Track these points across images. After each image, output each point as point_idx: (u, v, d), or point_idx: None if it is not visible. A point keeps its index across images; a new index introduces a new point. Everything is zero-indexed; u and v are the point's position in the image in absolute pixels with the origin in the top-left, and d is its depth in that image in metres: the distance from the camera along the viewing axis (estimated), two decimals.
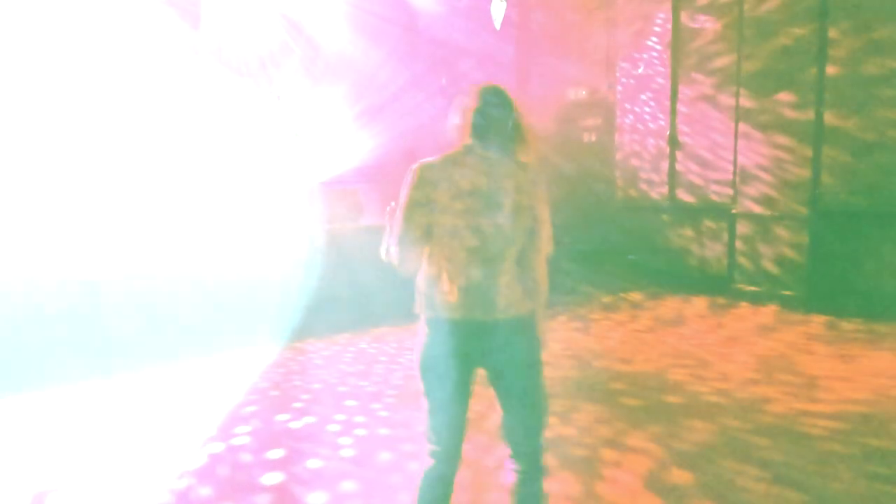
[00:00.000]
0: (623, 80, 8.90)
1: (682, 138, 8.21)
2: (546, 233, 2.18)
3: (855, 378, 4.62)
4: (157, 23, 7.05)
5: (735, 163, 7.46)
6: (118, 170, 6.20)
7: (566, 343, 5.72)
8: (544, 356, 2.23)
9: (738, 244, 7.43)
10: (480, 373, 2.22)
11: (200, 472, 3.34)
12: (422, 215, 2.10)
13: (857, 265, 6.52)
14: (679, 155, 8.27)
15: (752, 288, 7.25)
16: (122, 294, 5.08)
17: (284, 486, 3.19)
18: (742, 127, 7.35)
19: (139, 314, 5.11)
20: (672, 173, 8.35)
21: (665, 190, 8.41)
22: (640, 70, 8.64)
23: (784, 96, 6.92)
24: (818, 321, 6.30)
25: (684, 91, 8.16)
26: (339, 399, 4.43)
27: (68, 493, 3.15)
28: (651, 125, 8.57)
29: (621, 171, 8.96)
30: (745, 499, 2.95)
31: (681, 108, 8.19)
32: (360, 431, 3.86)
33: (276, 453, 3.57)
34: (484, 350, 2.14)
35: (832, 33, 6.59)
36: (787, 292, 6.91)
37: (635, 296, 7.76)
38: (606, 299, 7.67)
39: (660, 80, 8.39)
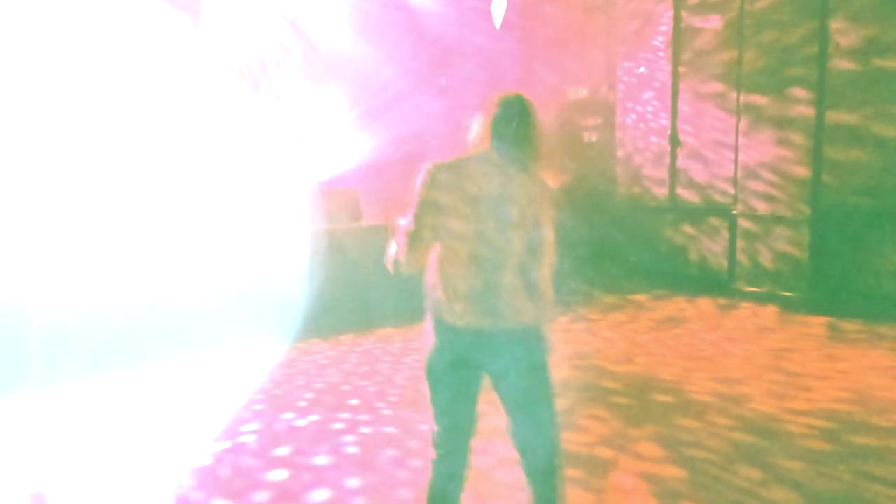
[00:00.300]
0: (624, 78, 8.99)
1: (682, 138, 8.31)
2: (551, 244, 2.19)
3: (849, 378, 4.71)
4: (156, 22, 7.14)
5: (736, 162, 7.56)
6: (121, 171, 6.29)
7: (565, 343, 5.82)
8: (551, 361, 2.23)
9: (739, 244, 7.52)
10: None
11: (207, 469, 3.44)
12: (431, 215, 2.12)
13: (859, 265, 6.59)
14: (680, 154, 8.37)
15: (753, 288, 7.35)
16: (127, 295, 5.17)
17: (290, 483, 3.28)
18: (743, 126, 7.44)
19: (143, 314, 5.20)
20: (673, 173, 8.44)
21: (666, 190, 8.51)
22: (641, 69, 8.74)
23: (785, 95, 7.01)
24: (818, 322, 6.37)
25: (685, 90, 8.25)
26: (343, 398, 4.52)
27: (78, 491, 3.25)
28: (652, 124, 8.67)
29: (622, 171, 9.06)
30: (738, 497, 3.04)
31: (681, 107, 8.29)
32: (365, 429, 3.96)
33: (281, 451, 3.67)
34: (489, 358, 2.15)
35: (833, 32, 6.66)
36: (788, 293, 7.00)
37: (635, 296, 7.86)
38: (607, 299, 7.77)
39: (660, 80, 8.49)
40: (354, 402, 4.46)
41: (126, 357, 5.11)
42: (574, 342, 5.87)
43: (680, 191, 8.36)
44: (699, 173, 8.11)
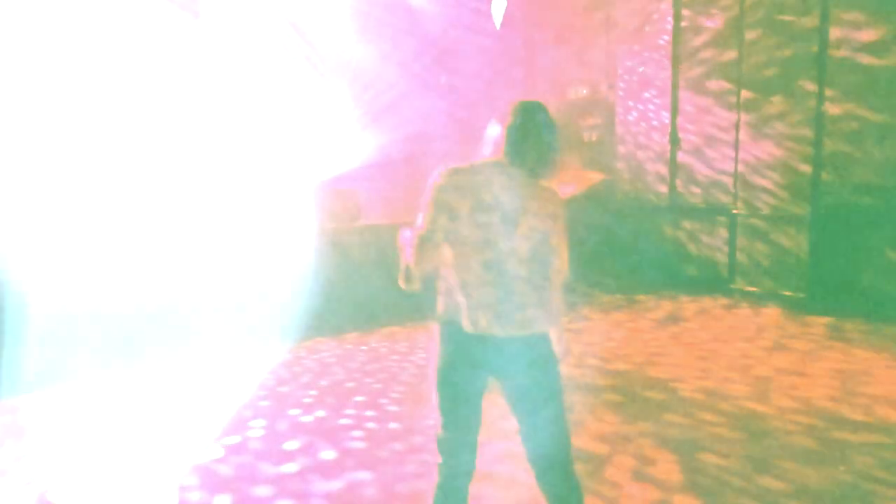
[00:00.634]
0: (624, 77, 9.11)
1: (682, 136, 8.42)
2: (563, 257, 2.23)
3: (843, 377, 4.82)
4: (157, 20, 7.25)
5: (736, 162, 7.65)
6: (126, 171, 6.40)
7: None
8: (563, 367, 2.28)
9: (739, 243, 7.61)
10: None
11: (218, 463, 3.58)
12: (442, 219, 2.13)
13: (859, 265, 6.68)
14: (680, 153, 8.49)
15: (753, 287, 7.44)
16: (133, 293, 5.30)
17: (301, 476, 3.42)
18: (742, 126, 7.53)
19: (148, 313, 5.33)
20: (673, 172, 8.56)
21: (666, 189, 8.63)
22: (641, 69, 8.87)
23: (785, 94, 7.10)
24: (817, 321, 6.47)
25: (685, 89, 8.36)
26: (349, 395, 4.66)
27: (91, 485, 3.39)
28: (652, 123, 8.79)
29: (622, 170, 9.18)
30: (728, 490, 3.19)
31: (682, 106, 8.40)
32: (371, 425, 4.10)
33: (291, 445, 3.81)
34: (501, 365, 2.17)
35: (833, 32, 6.76)
36: (788, 292, 7.10)
37: (634, 295, 7.97)
38: (606, 299, 7.90)
39: (661, 79, 8.61)
40: (360, 398, 4.60)
41: (131, 355, 5.24)
42: (572, 341, 6.00)
43: (680, 190, 8.48)
44: (699, 172, 8.24)
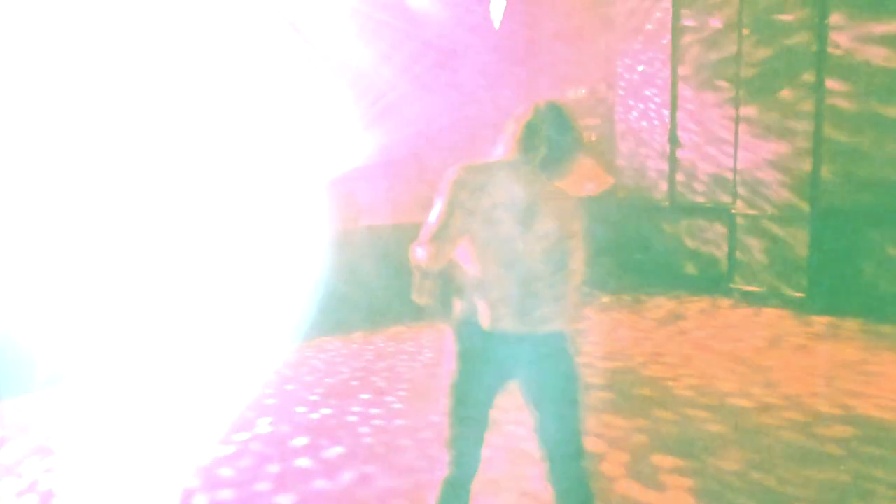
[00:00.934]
0: (624, 77, 9.23)
1: (682, 136, 8.54)
2: (580, 257, 2.27)
3: (837, 376, 4.93)
4: (157, 16, 7.33)
5: (735, 162, 7.74)
6: (132, 170, 6.49)
7: None
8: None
9: (739, 243, 7.69)
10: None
11: (229, 459, 3.70)
12: (458, 216, 2.14)
13: (858, 265, 6.75)
14: (679, 154, 8.60)
15: (752, 287, 7.52)
16: (141, 293, 5.41)
17: (311, 470, 3.54)
18: (742, 126, 7.60)
19: (154, 313, 5.44)
20: (672, 172, 8.67)
21: (665, 189, 8.75)
22: (640, 69, 8.99)
23: (784, 94, 7.16)
24: (817, 320, 6.55)
25: (684, 89, 8.46)
26: (355, 392, 4.78)
27: (108, 479, 3.50)
28: (652, 123, 8.91)
29: (621, 170, 9.31)
30: (722, 487, 3.32)
31: (681, 106, 8.50)
32: (377, 422, 4.22)
33: (299, 441, 3.93)
34: (519, 363, 2.21)
35: (832, 31, 6.82)
36: (788, 292, 7.16)
37: (633, 295, 8.08)
38: (605, 299, 8.00)
39: (660, 79, 8.73)
40: (365, 395, 4.72)
41: (137, 354, 5.35)
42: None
43: (680, 189, 8.59)
44: (699, 172, 8.34)
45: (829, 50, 6.85)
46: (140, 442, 3.99)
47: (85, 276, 5.30)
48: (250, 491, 3.35)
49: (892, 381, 4.73)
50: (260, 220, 6.56)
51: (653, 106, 8.88)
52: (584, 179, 2.17)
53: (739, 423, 4.05)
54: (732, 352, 5.65)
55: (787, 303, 7.13)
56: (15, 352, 4.98)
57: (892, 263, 6.56)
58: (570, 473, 2.26)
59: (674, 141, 8.59)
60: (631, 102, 9.18)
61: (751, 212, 7.52)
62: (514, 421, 3.35)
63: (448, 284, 2.30)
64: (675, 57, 8.50)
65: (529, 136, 2.18)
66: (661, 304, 7.60)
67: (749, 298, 7.47)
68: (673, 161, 8.65)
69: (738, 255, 7.69)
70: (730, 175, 7.85)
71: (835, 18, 6.82)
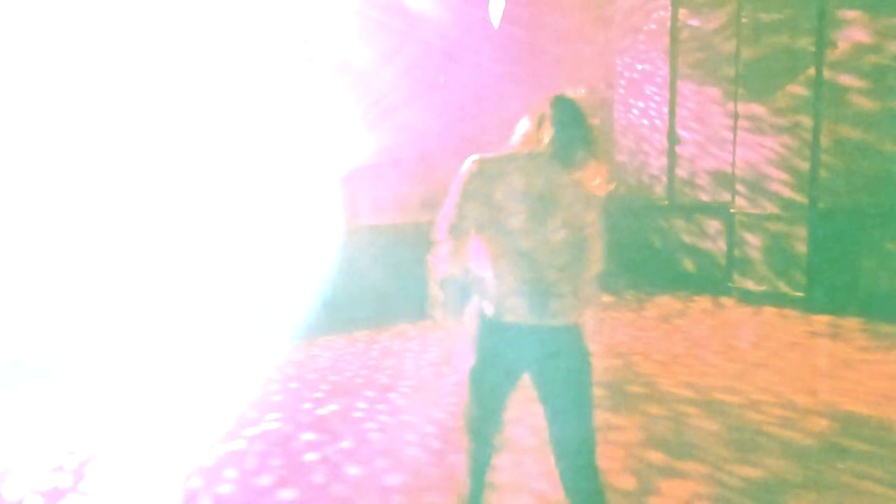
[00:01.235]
0: (623, 76, 9.33)
1: (681, 136, 8.65)
2: (598, 249, 2.31)
3: (829, 373, 5.05)
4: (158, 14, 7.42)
5: (734, 161, 7.84)
6: (144, 166, 6.58)
7: None
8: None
9: (737, 242, 7.77)
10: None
11: (239, 453, 3.82)
12: (474, 207, 2.20)
13: (858, 264, 6.83)
14: (678, 152, 8.71)
15: (752, 286, 7.60)
16: (149, 292, 5.53)
17: (322, 463, 3.67)
18: (741, 125, 7.68)
19: (161, 312, 5.56)
20: (671, 171, 8.77)
21: (664, 187, 8.86)
22: (640, 68, 9.10)
23: (783, 93, 7.24)
24: (815, 319, 6.64)
25: (683, 88, 8.55)
26: (360, 389, 4.91)
27: (121, 472, 3.63)
28: (650, 122, 9.02)
29: (620, 169, 9.41)
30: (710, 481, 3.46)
31: (680, 105, 8.58)
32: (384, 418, 4.34)
33: (308, 436, 4.05)
34: (533, 355, 2.25)
35: (831, 32, 6.91)
36: (787, 291, 7.24)
37: (633, 294, 8.17)
38: (603, 298, 8.07)
39: (659, 78, 8.83)
40: (370, 392, 4.85)
41: (146, 350, 5.47)
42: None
43: (678, 189, 8.68)
44: (698, 170, 8.44)
45: (829, 49, 6.94)
46: (147, 439, 4.11)
47: (91, 274, 5.42)
48: (257, 485, 3.48)
49: (890, 379, 4.83)
50: (266, 219, 6.67)
51: (652, 104, 8.97)
52: (593, 175, 2.25)
53: (729, 419, 4.17)
54: (728, 350, 5.76)
55: (786, 301, 7.20)
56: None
57: (891, 262, 6.64)
58: (578, 468, 2.31)
59: (673, 139, 8.69)
60: (630, 101, 9.28)
61: (750, 210, 7.60)
62: (513, 419, 3.46)
63: (463, 293, 2.33)
64: (675, 55, 8.58)
65: (548, 128, 2.23)
66: (660, 303, 7.69)
67: (748, 297, 7.55)
68: (672, 159, 8.74)
69: (737, 253, 7.78)
70: (729, 174, 7.94)
71: (834, 16, 6.89)
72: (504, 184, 2.20)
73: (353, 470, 3.60)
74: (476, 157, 2.26)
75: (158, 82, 7.16)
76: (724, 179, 8.06)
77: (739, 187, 7.71)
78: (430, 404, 4.53)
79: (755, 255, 7.57)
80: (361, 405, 4.61)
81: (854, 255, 6.89)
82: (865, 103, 6.74)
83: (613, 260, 9.22)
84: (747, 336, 6.22)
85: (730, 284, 7.83)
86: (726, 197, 8.00)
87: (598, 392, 4.59)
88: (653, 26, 8.83)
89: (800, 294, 7.15)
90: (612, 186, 2.33)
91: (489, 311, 2.26)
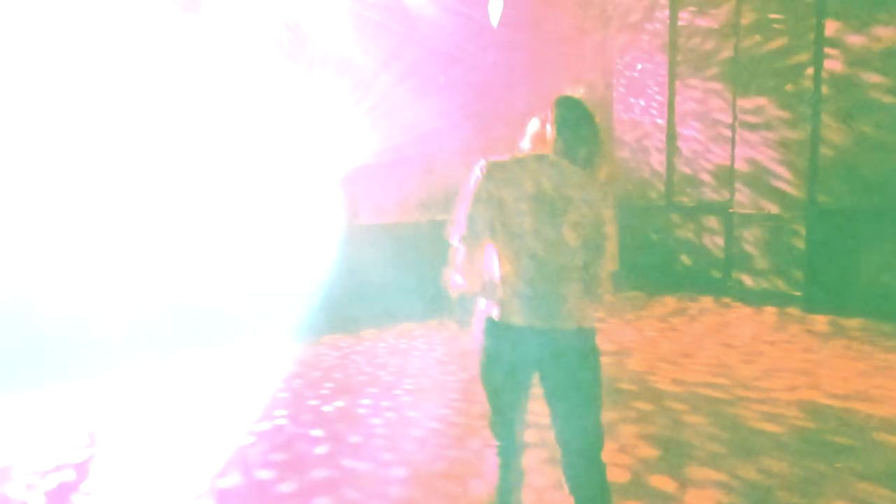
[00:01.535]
0: (624, 74, 9.43)
1: (679, 137, 8.76)
2: (611, 249, 2.30)
3: (825, 373, 5.13)
4: (157, 16, 7.49)
5: (733, 161, 7.95)
6: (144, 167, 6.66)
7: None
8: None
9: (736, 243, 7.87)
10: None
11: (249, 448, 3.91)
12: (485, 210, 2.24)
13: (856, 263, 6.93)
14: (676, 154, 8.83)
15: (751, 286, 7.70)
16: (157, 292, 5.62)
17: (332, 456, 3.77)
18: (740, 124, 7.81)
19: (167, 311, 5.64)
20: (670, 171, 8.89)
21: (663, 189, 8.97)
22: (639, 67, 9.20)
23: (782, 92, 7.35)
24: (814, 319, 6.73)
25: (682, 88, 8.65)
26: (363, 386, 5.01)
27: (126, 470, 3.71)
28: (649, 122, 9.13)
29: (619, 169, 9.50)
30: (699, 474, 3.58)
31: (679, 105, 8.69)
32: (390, 414, 4.44)
33: (316, 432, 4.15)
34: (541, 358, 2.26)
35: (830, 31, 7.01)
36: (786, 290, 7.35)
37: (631, 293, 8.24)
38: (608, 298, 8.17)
39: (658, 78, 8.93)
40: (374, 389, 4.95)
41: (152, 349, 5.55)
42: None
43: (678, 187, 8.79)
44: (697, 171, 8.55)
45: (828, 49, 7.04)
46: (153, 436, 4.19)
47: (98, 272, 5.50)
48: (275, 475, 3.57)
49: (890, 378, 4.93)
50: (270, 219, 6.76)
51: (653, 105, 9.07)
52: (602, 174, 2.32)
53: (717, 416, 4.28)
54: (725, 348, 5.85)
55: (785, 301, 7.30)
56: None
57: (890, 261, 6.73)
58: (582, 469, 2.34)
59: (672, 140, 8.80)
60: (630, 100, 9.38)
61: (749, 210, 7.72)
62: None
63: (477, 303, 2.38)
64: (673, 56, 8.69)
65: (557, 130, 2.28)
66: (659, 302, 7.78)
67: (747, 296, 7.65)
68: (671, 160, 8.85)
69: (736, 253, 7.89)
70: (727, 174, 8.05)
71: (833, 16, 6.99)
72: (513, 187, 2.23)
73: (358, 464, 3.70)
74: (485, 161, 2.30)
75: (160, 83, 7.23)
76: (723, 179, 8.17)
77: (738, 187, 7.81)
78: (435, 401, 4.63)
79: (754, 254, 7.67)
80: (366, 402, 4.71)
81: (853, 254, 6.99)
82: (865, 102, 6.83)
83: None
84: (744, 334, 6.32)
85: (729, 283, 7.93)
86: (725, 196, 8.11)
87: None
88: (652, 25, 8.93)
89: (799, 293, 7.26)
90: (619, 185, 2.39)
91: (497, 313, 2.27)
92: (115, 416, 4.54)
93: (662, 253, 8.83)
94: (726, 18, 8.02)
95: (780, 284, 7.43)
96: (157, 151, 6.95)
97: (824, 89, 7.09)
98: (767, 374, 5.11)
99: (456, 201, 2.37)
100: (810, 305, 7.09)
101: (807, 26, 7.14)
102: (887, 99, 6.71)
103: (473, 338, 2.40)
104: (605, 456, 2.38)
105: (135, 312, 5.57)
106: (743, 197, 7.77)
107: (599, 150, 2.32)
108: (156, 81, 7.30)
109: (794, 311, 7.08)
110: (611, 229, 2.28)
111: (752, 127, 7.65)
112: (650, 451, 3.76)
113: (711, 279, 8.23)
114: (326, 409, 4.59)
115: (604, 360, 5.39)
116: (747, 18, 7.67)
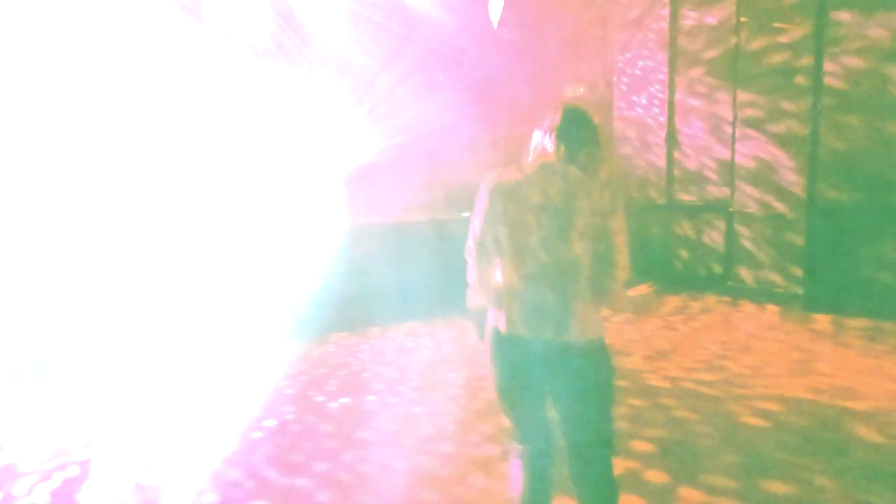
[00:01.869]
0: (625, 72, 9.50)
1: (679, 135, 8.82)
2: (622, 258, 2.25)
3: (817, 370, 5.20)
4: (160, 20, 7.57)
5: (733, 160, 7.99)
6: (150, 166, 6.73)
7: None
8: None
9: (736, 242, 7.92)
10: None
11: (259, 443, 4.00)
12: (492, 226, 2.29)
13: (857, 262, 6.96)
14: (676, 153, 8.89)
15: (750, 286, 7.75)
16: (160, 290, 5.70)
17: (338, 452, 3.86)
18: (739, 125, 7.86)
19: (172, 310, 5.73)
20: (670, 170, 8.95)
21: (663, 187, 9.04)
22: (639, 66, 9.28)
23: (782, 94, 7.39)
24: (814, 318, 6.77)
25: (682, 87, 8.68)
26: (369, 383, 5.10)
27: (137, 464, 3.80)
28: (649, 121, 9.20)
29: (620, 170, 9.58)
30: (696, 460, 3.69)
31: (679, 104, 8.74)
32: (397, 410, 4.54)
33: (325, 426, 4.24)
34: (551, 371, 2.26)
35: (830, 29, 7.04)
36: (785, 289, 7.40)
37: (631, 293, 8.29)
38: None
39: (658, 77, 9.00)
40: (379, 385, 5.04)
41: (154, 348, 5.63)
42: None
43: (677, 188, 8.87)
44: (696, 170, 8.63)
45: (828, 47, 7.08)
46: (161, 432, 4.28)
47: (108, 272, 5.58)
48: (285, 469, 3.68)
49: (886, 378, 5.00)
50: (275, 219, 6.84)
51: (654, 103, 9.13)
52: (607, 179, 2.33)
53: (709, 413, 4.38)
54: (721, 346, 5.93)
55: (785, 299, 7.35)
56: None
57: (890, 260, 6.77)
58: (589, 486, 2.35)
59: (671, 139, 8.87)
60: (627, 102, 9.46)
61: (749, 209, 7.78)
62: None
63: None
64: (674, 53, 8.74)
65: (551, 139, 2.31)
66: (657, 302, 7.83)
67: (747, 295, 7.70)
68: (671, 158, 8.91)
69: (735, 252, 7.96)
70: (727, 173, 8.12)
71: (833, 17, 7.01)
72: (520, 199, 2.25)
73: (364, 460, 3.79)
74: (492, 176, 2.34)
75: (162, 83, 7.30)
76: (723, 178, 8.23)
77: (738, 186, 7.87)
78: (440, 398, 4.72)
79: (754, 252, 7.74)
80: (372, 398, 4.80)
81: (853, 253, 7.01)
82: (865, 101, 6.86)
83: None
84: (742, 332, 6.39)
85: (728, 283, 8.01)
86: (725, 195, 8.17)
87: None
88: (652, 24, 9.00)
89: (799, 291, 7.32)
90: (621, 185, 2.44)
91: (507, 326, 2.29)
92: (120, 412, 4.62)
93: (662, 251, 8.90)
94: (727, 15, 8.07)
95: (781, 282, 7.49)
96: (159, 152, 7.02)
97: (825, 88, 7.12)
98: (764, 371, 5.19)
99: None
100: (811, 303, 7.15)
101: (808, 23, 7.16)
102: (888, 98, 6.73)
103: (487, 349, 2.43)
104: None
105: (136, 312, 5.65)
106: (743, 195, 7.83)
107: (600, 153, 2.33)
108: (157, 81, 7.37)
109: (794, 309, 7.14)
110: (619, 238, 2.24)
111: (753, 124, 7.70)
112: (644, 446, 3.85)
113: (711, 277, 8.30)
114: (333, 405, 4.69)
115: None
116: (748, 15, 7.72)
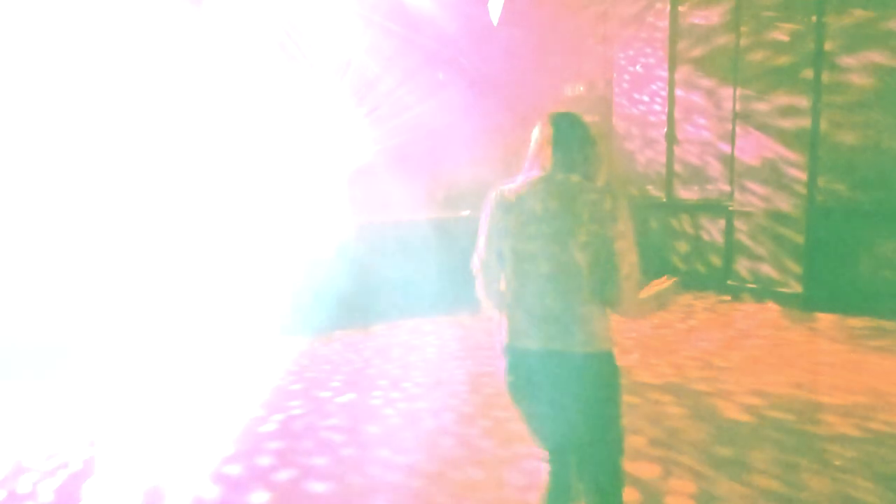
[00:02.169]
0: (625, 71, 9.52)
1: (679, 134, 8.85)
2: (628, 266, 2.22)
3: (815, 370, 5.21)
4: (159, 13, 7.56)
5: (733, 158, 8.02)
6: (155, 165, 6.72)
7: None
8: None
9: (736, 241, 7.94)
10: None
11: (268, 438, 3.99)
12: (495, 239, 2.31)
13: (855, 262, 6.98)
14: (676, 151, 8.91)
15: (750, 285, 7.77)
16: (166, 287, 5.68)
17: (342, 446, 3.85)
18: (740, 121, 7.85)
19: (174, 309, 5.71)
20: (670, 169, 8.98)
21: (663, 186, 9.06)
22: (639, 65, 9.30)
23: (782, 92, 7.39)
24: (813, 317, 6.80)
25: (682, 86, 8.72)
26: (373, 379, 5.11)
27: (142, 458, 3.78)
28: (649, 120, 9.22)
29: (619, 167, 9.60)
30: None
31: (678, 102, 8.75)
32: (402, 405, 4.53)
33: (330, 422, 4.24)
34: (557, 382, 2.24)
35: (830, 28, 7.06)
36: (784, 289, 7.40)
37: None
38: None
39: (657, 75, 9.04)
40: (384, 381, 5.04)
41: (159, 345, 5.62)
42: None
43: (677, 187, 8.89)
44: (696, 169, 8.65)
45: (827, 46, 7.10)
46: (168, 427, 4.26)
47: (114, 269, 5.56)
48: (294, 463, 3.73)
49: (890, 376, 5.01)
50: (279, 218, 6.83)
51: (651, 101, 9.15)
52: (604, 185, 2.32)
53: (686, 403, 4.44)
54: (717, 344, 5.97)
55: (785, 297, 7.36)
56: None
57: (889, 259, 6.78)
58: (591, 480, 2.33)
59: (671, 138, 8.89)
60: (627, 101, 9.48)
61: (748, 208, 7.80)
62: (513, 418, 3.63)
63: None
64: (673, 54, 8.76)
65: (546, 150, 2.31)
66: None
67: (746, 294, 7.72)
68: (670, 158, 8.93)
69: (735, 251, 7.97)
70: (727, 171, 8.14)
71: (833, 15, 7.04)
72: (522, 212, 2.25)
73: (367, 455, 3.80)
74: (496, 189, 2.35)
75: (163, 82, 7.29)
76: (722, 177, 8.26)
77: (738, 185, 7.89)
78: (444, 394, 4.72)
79: (753, 252, 7.75)
80: (377, 394, 4.79)
81: (852, 253, 7.05)
82: (865, 100, 6.88)
83: None
84: (741, 331, 6.43)
85: (728, 282, 8.01)
86: (725, 194, 8.19)
87: None
88: (652, 23, 9.02)
89: (799, 290, 7.34)
90: (621, 184, 2.42)
91: (514, 338, 2.30)
92: (125, 409, 4.60)
93: (661, 250, 8.92)
94: (727, 13, 8.11)
95: (780, 281, 7.51)
96: (162, 150, 7.01)
97: (824, 88, 7.14)
98: (761, 369, 5.21)
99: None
100: (810, 302, 7.17)
101: (808, 21, 7.18)
102: (888, 98, 6.75)
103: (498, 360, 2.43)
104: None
105: (141, 309, 5.63)
106: (743, 193, 7.85)
107: (597, 159, 2.34)
108: (159, 80, 7.36)
109: (793, 307, 7.15)
110: (623, 243, 2.19)
111: (752, 124, 7.72)
112: (635, 440, 3.87)
113: (711, 276, 8.32)
114: (338, 400, 4.69)
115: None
116: (747, 14, 7.75)
